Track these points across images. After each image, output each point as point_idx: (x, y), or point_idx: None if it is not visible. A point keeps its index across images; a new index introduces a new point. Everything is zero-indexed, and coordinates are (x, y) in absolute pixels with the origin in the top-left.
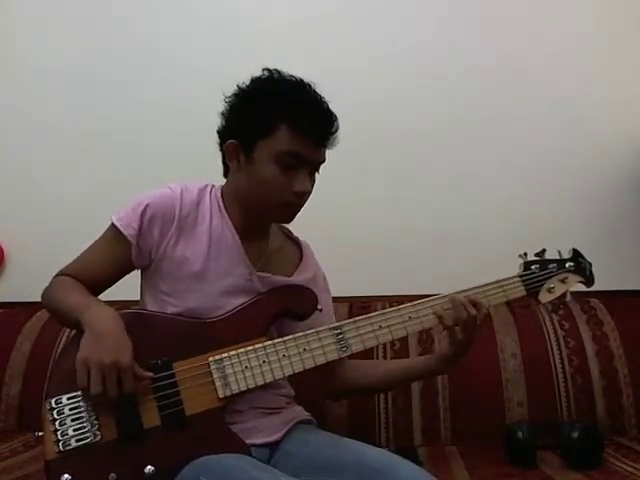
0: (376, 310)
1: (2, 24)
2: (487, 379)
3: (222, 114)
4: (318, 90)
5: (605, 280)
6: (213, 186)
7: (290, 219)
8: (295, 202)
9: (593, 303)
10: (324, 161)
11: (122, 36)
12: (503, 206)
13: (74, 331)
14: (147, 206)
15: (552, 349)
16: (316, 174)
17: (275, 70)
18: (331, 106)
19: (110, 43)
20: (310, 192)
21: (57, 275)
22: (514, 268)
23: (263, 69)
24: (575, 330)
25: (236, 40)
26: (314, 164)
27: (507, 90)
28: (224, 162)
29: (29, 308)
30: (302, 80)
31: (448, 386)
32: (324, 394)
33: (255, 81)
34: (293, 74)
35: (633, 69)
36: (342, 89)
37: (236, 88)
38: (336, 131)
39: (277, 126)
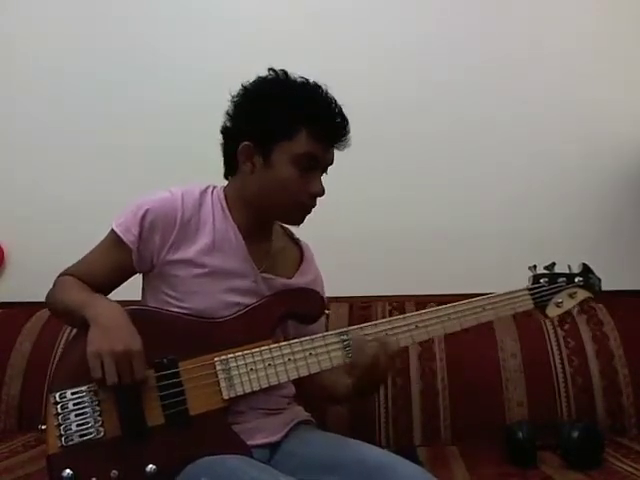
0: (376, 310)
1: (2, 24)
2: (487, 379)
3: (228, 114)
4: (329, 92)
5: (605, 280)
6: (215, 187)
7: (301, 221)
8: (309, 203)
9: (593, 303)
10: (333, 163)
11: (122, 36)
12: (503, 206)
13: (75, 330)
14: (147, 211)
15: (552, 349)
16: (324, 175)
17: (282, 71)
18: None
19: (110, 43)
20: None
21: (60, 275)
22: (513, 268)
23: (269, 69)
24: (575, 330)
25: (236, 40)
26: (326, 166)
27: (507, 90)
28: (227, 162)
29: (29, 308)
30: (316, 83)
31: (448, 386)
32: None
33: (267, 82)
34: (300, 75)
35: (633, 69)
36: (342, 89)
37: (242, 88)
38: (349, 133)
39: (297, 129)
